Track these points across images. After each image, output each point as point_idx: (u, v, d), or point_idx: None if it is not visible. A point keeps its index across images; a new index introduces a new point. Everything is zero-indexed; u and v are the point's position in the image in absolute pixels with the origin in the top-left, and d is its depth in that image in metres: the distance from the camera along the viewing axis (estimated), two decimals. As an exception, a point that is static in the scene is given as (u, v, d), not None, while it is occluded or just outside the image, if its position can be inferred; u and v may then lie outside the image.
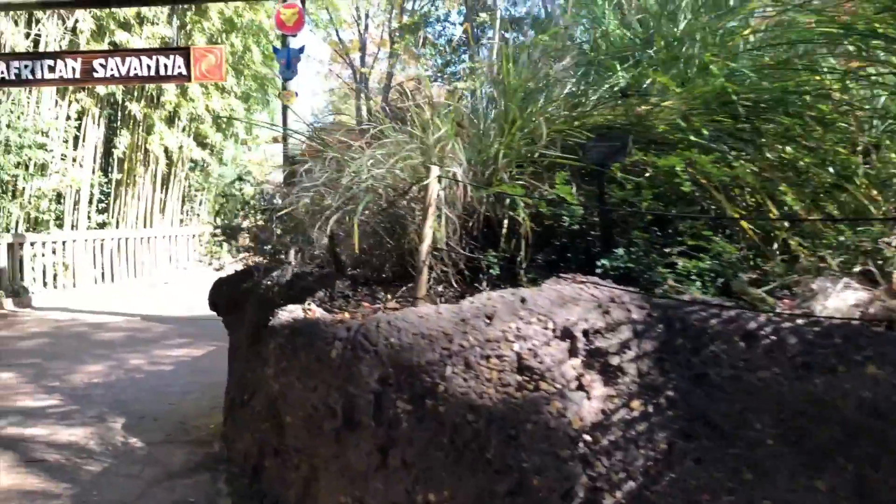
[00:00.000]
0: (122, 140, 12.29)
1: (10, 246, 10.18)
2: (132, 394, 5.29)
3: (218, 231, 5.05)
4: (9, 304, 9.83)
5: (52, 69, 8.33)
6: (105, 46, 10.69)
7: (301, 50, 7.94)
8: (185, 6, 12.39)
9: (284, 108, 7.91)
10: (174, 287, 12.68)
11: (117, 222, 12.79)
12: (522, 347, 1.74)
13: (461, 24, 24.72)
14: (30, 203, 10.50)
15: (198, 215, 15.44)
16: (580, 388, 1.70)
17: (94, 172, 11.85)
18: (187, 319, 8.85)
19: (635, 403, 1.65)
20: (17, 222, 10.45)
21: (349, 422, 1.87)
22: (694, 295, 1.88)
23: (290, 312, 2.28)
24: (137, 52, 8.31)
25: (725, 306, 1.74)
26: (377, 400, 1.83)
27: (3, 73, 8.38)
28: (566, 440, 1.62)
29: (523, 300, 1.82)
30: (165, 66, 8.17)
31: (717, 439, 1.60)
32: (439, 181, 2.15)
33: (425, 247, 2.09)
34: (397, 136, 3.03)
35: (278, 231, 4.60)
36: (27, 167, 10.36)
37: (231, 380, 4.31)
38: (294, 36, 7.86)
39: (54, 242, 10.97)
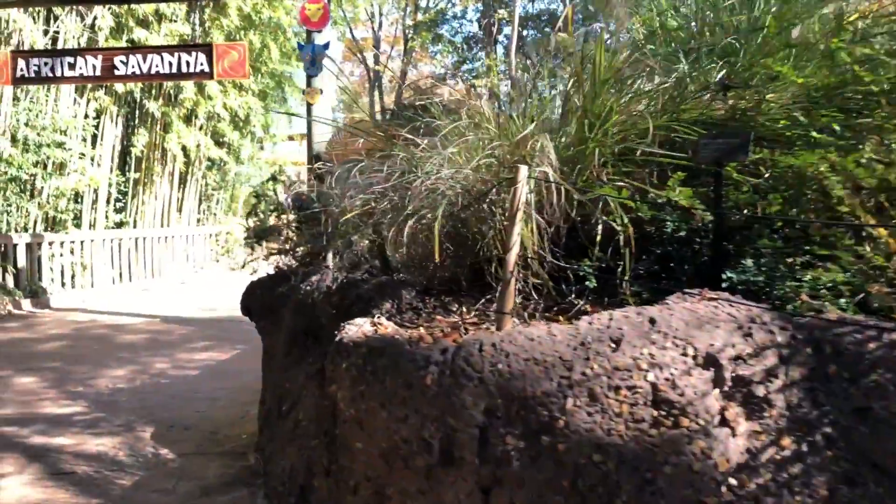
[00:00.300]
0: (140, 139, 12.14)
1: (29, 246, 10.06)
2: (159, 400, 5.12)
3: (249, 233, 4.85)
4: (27, 304, 9.71)
5: (72, 66, 8.18)
6: (123, 44, 10.55)
7: (326, 46, 7.75)
8: (204, 3, 12.26)
9: (309, 106, 7.72)
10: (192, 287, 12.55)
11: (134, 222, 12.66)
12: (658, 377, 1.53)
13: (477, 22, 24.48)
14: (48, 202, 10.37)
15: (214, 214, 15.31)
16: (723, 423, 1.49)
17: (111, 171, 11.71)
18: (208, 321, 8.70)
19: (786, 441, 1.44)
20: (35, 222, 10.33)
21: (447, 457, 1.67)
22: (836, 312, 1.67)
23: (359, 327, 2.08)
24: (159, 49, 8.15)
25: (886, 328, 1.52)
26: (482, 434, 1.62)
27: (22, 70, 8.24)
28: (712, 485, 1.42)
29: (653, 321, 1.61)
30: (187, 62, 8.00)
31: (888, 484, 1.39)
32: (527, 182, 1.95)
33: (513, 255, 1.89)
34: (472, 134, 2.80)
35: (313, 233, 4.41)
36: (45, 166, 10.23)
37: (267, 388, 4.13)
38: (319, 32, 7.67)
39: (72, 242, 10.85)
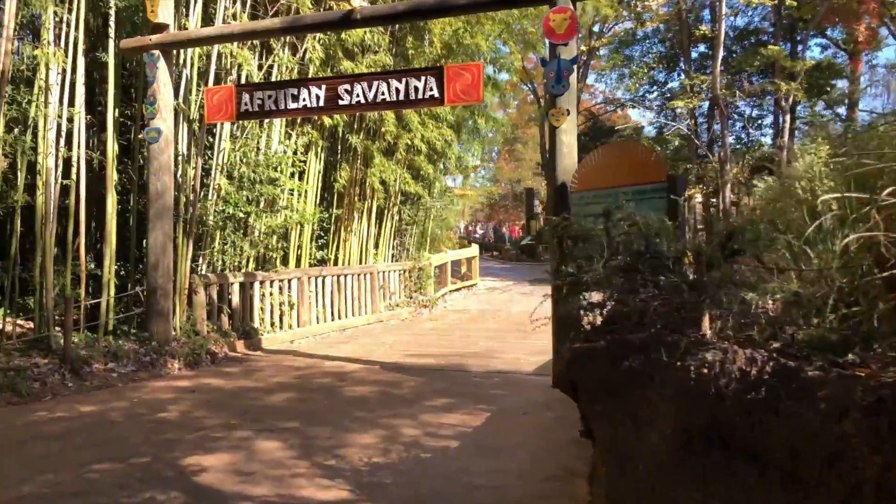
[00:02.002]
0: (343, 174, 11.81)
1: (242, 285, 9.81)
2: (431, 485, 4.21)
3: (567, 279, 3.84)
4: (240, 346, 9.41)
5: (295, 98, 7.76)
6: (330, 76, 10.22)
7: (574, 60, 6.79)
8: (407, 30, 11.80)
9: (553, 130, 6.76)
10: (393, 328, 11.97)
11: (335, 258, 12.31)
12: None
13: (668, 41, 22.86)
14: (260, 240, 10.12)
15: (407, 250, 14.81)
16: None
17: (314, 207, 11.40)
18: (430, 370, 7.89)
19: None
20: (247, 260, 10.10)
21: None
22: None
23: None
24: (385, 76, 7.54)
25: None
26: None
27: (246, 105, 7.94)
28: None
29: None
30: (416, 88, 7.32)
31: None
32: None
33: None
34: None
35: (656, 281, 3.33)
36: (258, 203, 10.00)
37: (617, 496, 3.06)
38: (565, 45, 6.73)
39: (280, 281, 10.55)
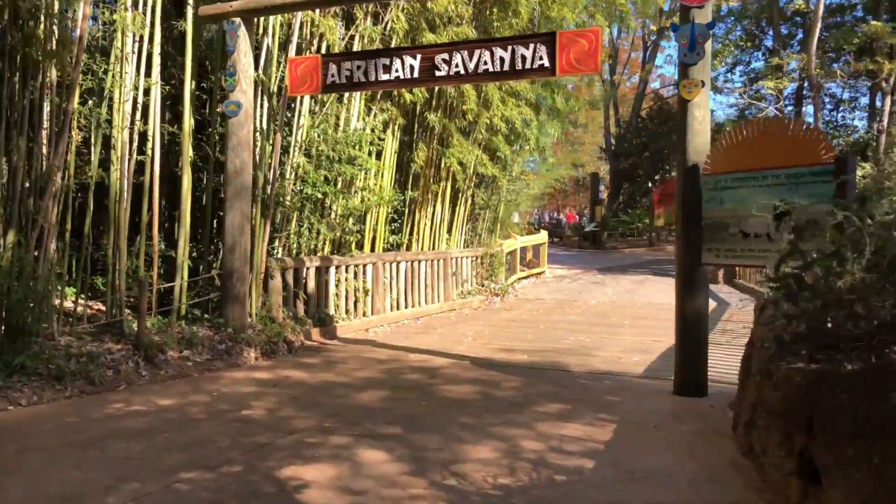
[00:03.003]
0: (419, 154, 11.17)
1: (318, 270, 9.28)
2: (580, 519, 3.55)
3: (782, 282, 3.12)
4: (316, 334, 8.89)
5: (387, 69, 7.12)
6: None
7: (711, 26, 5.98)
8: (491, 1, 11.06)
9: (685, 104, 5.97)
10: (467, 317, 11.34)
11: (409, 243, 11.71)
12: None
13: (748, 18, 21.48)
14: (337, 223, 9.55)
15: (479, 235, 14.13)
16: None
17: (391, 189, 10.79)
18: (524, 369, 7.25)
19: None
20: (322, 244, 9.55)
21: None
22: None
23: None
24: (488, 44, 6.82)
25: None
26: None
27: (333, 76, 7.33)
28: None
29: None
30: (523, 57, 6.61)
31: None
32: None
33: None
34: None
35: None
36: (336, 183, 9.42)
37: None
38: (700, 8, 5.93)
39: (356, 266, 9.99)
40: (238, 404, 5.69)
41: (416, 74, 7.03)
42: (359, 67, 7.22)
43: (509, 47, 6.66)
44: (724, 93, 28.24)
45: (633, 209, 31.40)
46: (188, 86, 7.89)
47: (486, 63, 6.74)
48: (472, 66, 6.79)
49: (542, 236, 18.18)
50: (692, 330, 6.01)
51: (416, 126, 11.33)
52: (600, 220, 26.96)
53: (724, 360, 7.13)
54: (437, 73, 6.93)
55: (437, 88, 10.98)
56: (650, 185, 33.23)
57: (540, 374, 6.91)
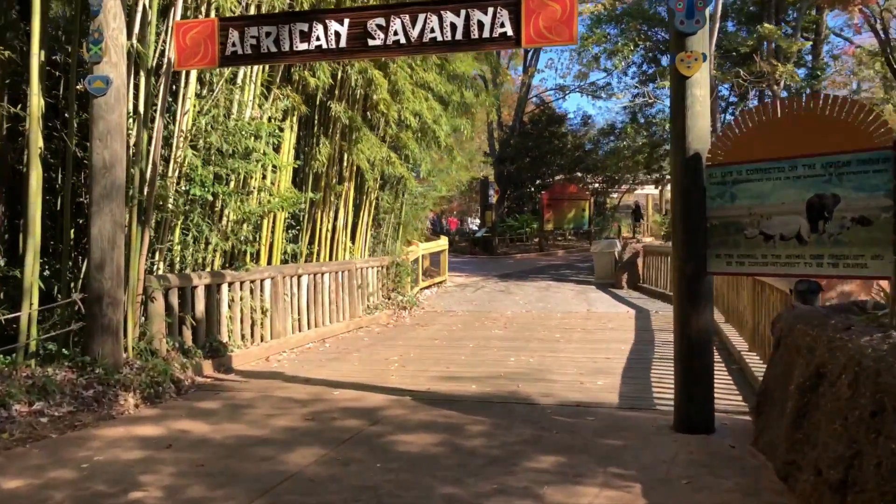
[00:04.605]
0: (322, 150, 9.68)
1: (208, 288, 7.61)
2: None
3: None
4: (208, 367, 7.25)
5: (305, 36, 5.69)
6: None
7: (712, -13, 5.00)
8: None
9: (682, 80, 4.95)
10: (379, 336, 9.97)
11: (310, 253, 10.18)
12: None
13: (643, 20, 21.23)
14: (231, 231, 7.92)
15: (383, 242, 12.76)
16: None
17: (291, 189, 9.24)
18: (482, 402, 6.01)
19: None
20: (213, 256, 7.89)
21: None
22: None
23: None
24: (436, 6, 5.52)
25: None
26: None
27: (234, 45, 5.82)
28: None
29: None
30: (480, 24, 5.38)
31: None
32: None
33: None
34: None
35: None
36: (228, 182, 7.80)
37: None
38: (698, -33, 4.94)
39: (252, 282, 8.38)
40: (121, 482, 4.06)
41: (343, 44, 5.62)
42: (268, 34, 5.71)
43: (463, 11, 5.40)
44: (610, 99, 28.29)
45: (519, 214, 31.01)
46: (36, 56, 6.07)
47: (433, 31, 5.45)
48: (415, 33, 5.48)
49: (443, 243, 17.05)
50: (698, 355, 4.99)
51: (317, 118, 9.83)
52: (491, 225, 26.22)
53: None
54: (371, 43, 5.56)
55: (340, 74, 9.56)
56: (532, 189, 33.03)
57: (506, 412, 5.68)
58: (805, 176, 4.45)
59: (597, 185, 32.76)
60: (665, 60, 21.79)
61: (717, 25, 17.44)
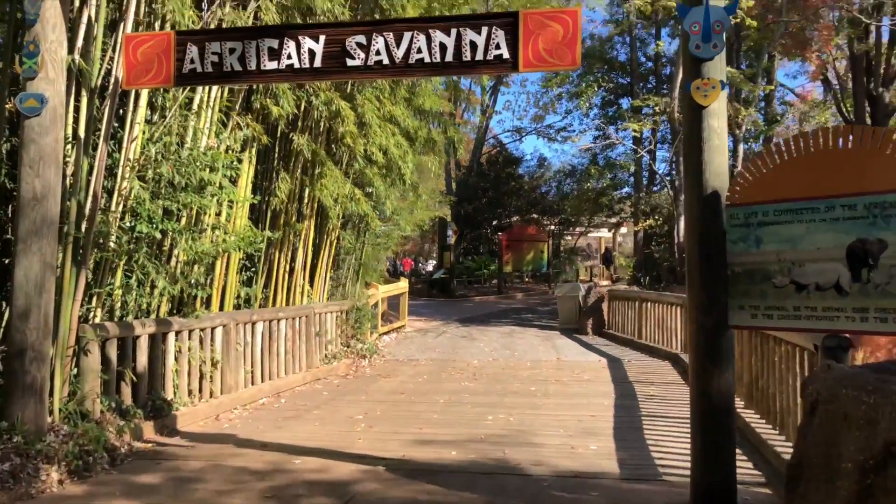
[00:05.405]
0: (282, 185, 8.95)
1: (153, 338, 6.76)
2: None
3: None
4: (149, 429, 6.36)
5: (275, 54, 5.04)
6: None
7: (731, 9, 4.53)
8: None
9: (699, 111, 4.44)
10: (339, 389, 9.16)
11: (266, 297, 9.36)
12: None
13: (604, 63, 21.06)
14: (180, 273, 7.10)
15: (343, 285, 11.98)
16: None
17: (249, 227, 8.46)
18: (468, 473, 5.27)
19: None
20: (160, 301, 7.04)
21: None
22: None
23: None
24: (424, 24, 4.93)
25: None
26: None
27: (193, 62, 5.14)
28: None
29: None
30: (473, 44, 4.81)
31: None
32: None
33: None
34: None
35: None
36: (180, 219, 7.01)
37: None
38: (716, -12, 4.49)
39: (202, 330, 7.54)
40: None
41: (317, 63, 4.97)
42: (232, 51, 5.03)
43: (454, 30, 4.82)
44: (565, 143, 28.26)
45: (476, 255, 30.50)
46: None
47: (419, 51, 4.85)
48: (399, 54, 4.87)
49: (403, 285, 16.31)
50: (719, 419, 4.39)
51: (278, 150, 9.12)
52: (449, 266, 25.60)
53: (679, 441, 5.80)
54: (350, 63, 4.93)
55: (304, 105, 8.91)
56: (489, 230, 32.65)
57: (496, 486, 4.95)
58: (844, 218, 3.94)
59: (553, 227, 32.57)
60: (626, 103, 21.83)
61: (680, 69, 17.50)
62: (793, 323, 4.18)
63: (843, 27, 17.50)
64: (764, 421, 6.28)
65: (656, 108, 17.98)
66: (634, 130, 17.67)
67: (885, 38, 17.53)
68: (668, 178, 19.07)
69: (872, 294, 3.82)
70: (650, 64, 22.28)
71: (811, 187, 4.08)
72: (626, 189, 22.41)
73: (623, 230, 35.78)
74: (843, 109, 20.57)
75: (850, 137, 3.98)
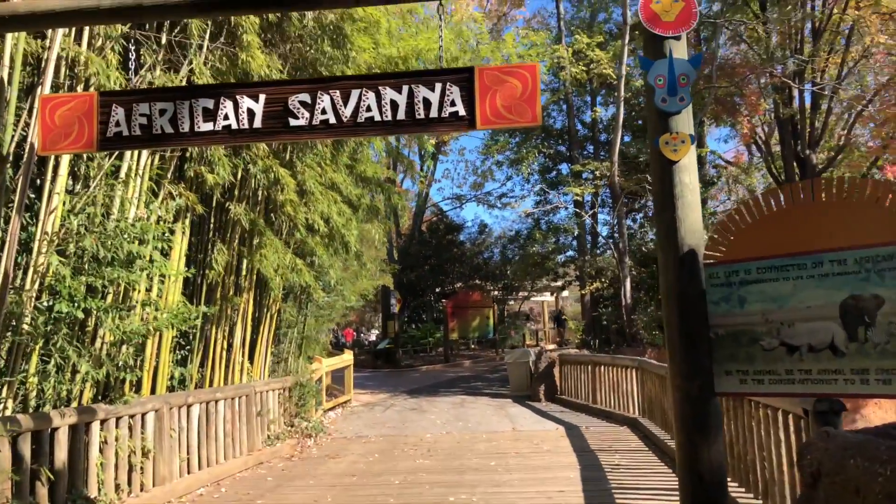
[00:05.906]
0: (219, 257, 8.42)
1: (74, 428, 6.05)
2: None
3: None
4: (68, 535, 5.60)
5: (210, 115, 4.63)
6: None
7: (696, 61, 4.38)
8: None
9: (669, 165, 4.22)
10: (285, 474, 8.47)
11: (202, 377, 8.69)
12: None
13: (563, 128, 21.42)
14: (106, 355, 6.44)
15: (284, 360, 11.34)
16: None
17: (184, 303, 7.86)
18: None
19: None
20: (83, 387, 6.36)
21: None
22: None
23: None
24: (373, 81, 4.63)
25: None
26: None
27: (119, 125, 4.68)
28: None
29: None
30: (427, 102, 4.51)
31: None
32: None
33: None
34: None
35: None
36: (103, 295, 6.40)
37: None
38: (677, 38, 4.34)
39: (132, 417, 6.85)
40: None
41: (257, 123, 4.58)
42: (163, 112, 4.60)
43: (405, 87, 4.52)
44: (505, 209, 28.36)
45: (421, 323, 29.98)
46: None
47: (369, 109, 4.52)
48: (347, 112, 4.53)
49: (348, 358, 15.66)
50: (712, 495, 4.02)
51: (214, 220, 8.62)
52: (394, 336, 24.99)
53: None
54: (293, 122, 4.56)
55: (240, 172, 8.48)
56: (433, 298, 32.28)
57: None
58: (834, 273, 3.70)
59: (496, 292, 32.43)
60: (565, 168, 22.08)
61: (619, 134, 17.79)
62: (786, 388, 3.89)
63: (769, 93, 18.19)
64: (743, 490, 5.94)
65: (596, 173, 18.18)
66: (576, 194, 17.84)
67: (808, 102, 18.27)
68: (612, 240, 19.17)
69: (872, 354, 3.56)
70: (587, 131, 22.73)
71: (794, 242, 3.86)
72: (570, 252, 22.51)
73: (565, 293, 35.87)
74: (774, 171, 21.20)
75: (835, 189, 3.79)
